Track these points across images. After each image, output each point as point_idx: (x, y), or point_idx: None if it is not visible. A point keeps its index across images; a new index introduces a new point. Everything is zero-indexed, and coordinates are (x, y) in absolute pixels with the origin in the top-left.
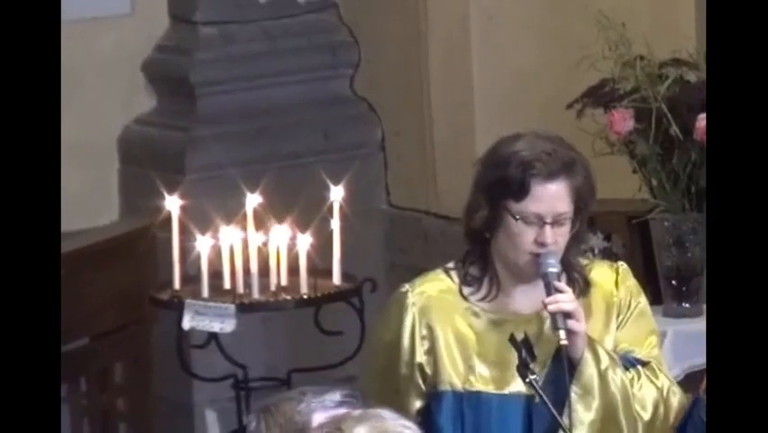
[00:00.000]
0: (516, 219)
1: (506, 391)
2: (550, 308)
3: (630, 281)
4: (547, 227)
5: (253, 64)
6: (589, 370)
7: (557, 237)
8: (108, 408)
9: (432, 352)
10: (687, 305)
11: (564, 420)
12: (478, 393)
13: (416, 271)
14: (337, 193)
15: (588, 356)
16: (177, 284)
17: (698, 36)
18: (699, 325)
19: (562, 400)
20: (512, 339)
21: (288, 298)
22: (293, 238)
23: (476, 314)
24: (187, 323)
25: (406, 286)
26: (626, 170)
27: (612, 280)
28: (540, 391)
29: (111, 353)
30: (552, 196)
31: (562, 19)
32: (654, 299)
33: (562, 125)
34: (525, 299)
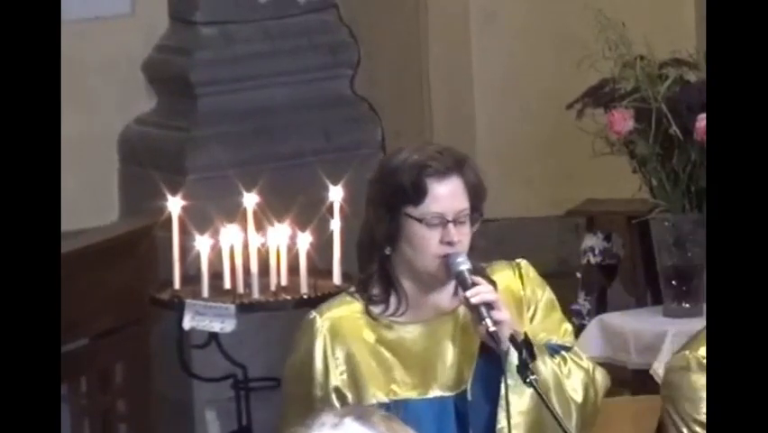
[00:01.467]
0: (420, 222)
1: (431, 396)
2: (473, 300)
3: (532, 275)
4: (450, 226)
5: (253, 64)
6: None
7: (461, 236)
8: (108, 408)
9: (349, 371)
10: (687, 305)
11: (501, 413)
12: (404, 401)
13: None
14: (337, 193)
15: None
16: (177, 284)
17: (698, 36)
18: (698, 325)
19: (494, 394)
20: (512, 339)
21: (288, 298)
22: (293, 237)
23: (387, 326)
24: (187, 323)
25: (313, 313)
26: (626, 170)
27: (515, 277)
28: (540, 392)
29: (111, 353)
30: (450, 193)
31: (561, 19)
32: (654, 299)
33: (561, 125)
34: (436, 304)
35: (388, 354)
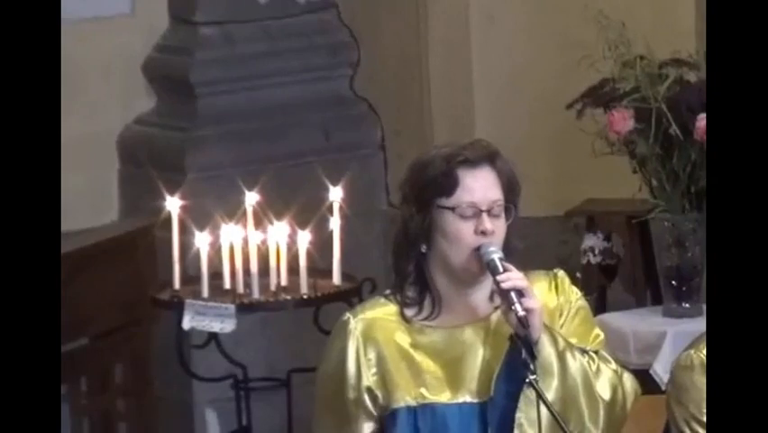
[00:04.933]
0: (453, 211)
1: (459, 401)
2: (504, 285)
3: (567, 285)
4: (484, 216)
5: (253, 64)
6: (547, 350)
7: (495, 227)
8: (108, 408)
9: (380, 373)
10: (687, 305)
11: (521, 415)
12: (432, 405)
13: None
14: (337, 193)
15: (545, 338)
16: (177, 284)
17: (698, 36)
18: (699, 325)
19: (515, 393)
20: (512, 339)
21: (288, 298)
22: (292, 236)
23: (420, 331)
24: (187, 323)
25: (348, 314)
26: (626, 170)
27: (550, 289)
28: (541, 392)
29: (111, 353)
30: (482, 183)
31: (562, 19)
32: (654, 299)
33: (561, 125)
34: (470, 307)
35: (419, 358)
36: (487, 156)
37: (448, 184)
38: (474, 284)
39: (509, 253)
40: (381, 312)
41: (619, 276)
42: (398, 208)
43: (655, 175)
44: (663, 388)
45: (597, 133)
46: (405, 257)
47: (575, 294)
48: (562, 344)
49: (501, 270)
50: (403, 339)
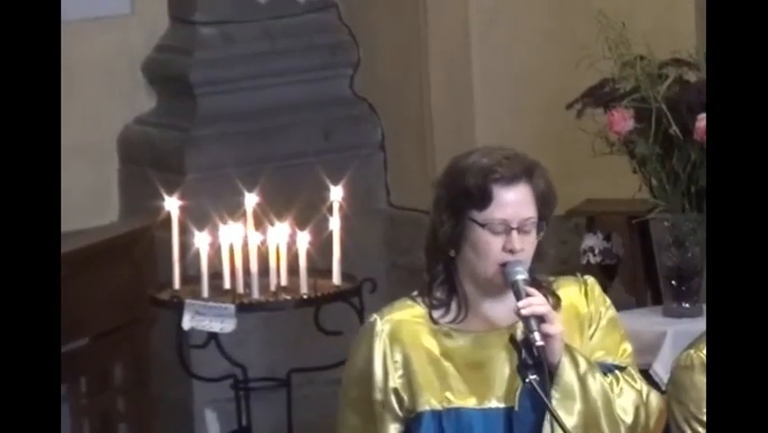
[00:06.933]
0: (484, 227)
1: (485, 406)
2: (523, 311)
3: (597, 293)
4: (514, 233)
5: (253, 64)
6: (568, 374)
7: (524, 244)
8: (108, 408)
9: (406, 375)
10: (687, 305)
11: (547, 427)
12: (457, 410)
13: (416, 271)
14: (337, 193)
15: (565, 361)
16: (177, 284)
17: (698, 36)
18: (699, 325)
19: (541, 411)
20: (512, 339)
21: (288, 298)
22: (292, 236)
23: (447, 334)
24: (187, 323)
25: (375, 316)
26: (626, 170)
27: (580, 294)
28: (541, 392)
29: (111, 353)
30: (515, 200)
31: (562, 19)
32: (654, 299)
33: (562, 125)
34: (495, 314)
35: (445, 362)
36: (523, 172)
37: (481, 199)
38: (499, 294)
39: (540, 258)
40: (408, 314)
41: (619, 276)
42: (429, 212)
43: (655, 175)
44: (663, 388)
45: (597, 133)
46: (434, 258)
47: (605, 303)
48: (583, 366)
49: (523, 294)
50: (430, 342)
